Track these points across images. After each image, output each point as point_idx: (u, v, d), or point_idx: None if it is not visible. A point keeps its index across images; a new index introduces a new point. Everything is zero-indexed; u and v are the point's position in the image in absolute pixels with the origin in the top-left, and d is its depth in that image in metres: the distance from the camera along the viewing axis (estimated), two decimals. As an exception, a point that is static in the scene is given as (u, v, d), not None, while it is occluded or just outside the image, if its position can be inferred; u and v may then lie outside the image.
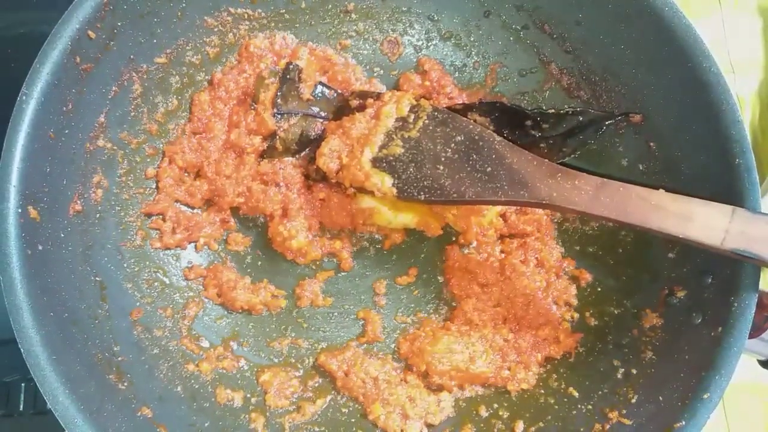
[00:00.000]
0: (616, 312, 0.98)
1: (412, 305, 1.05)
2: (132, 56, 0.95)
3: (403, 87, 1.08)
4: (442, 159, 0.92)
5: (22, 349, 0.78)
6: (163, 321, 0.98)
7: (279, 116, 1.00)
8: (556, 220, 1.05)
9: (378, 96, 1.01)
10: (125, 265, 0.97)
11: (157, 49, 0.98)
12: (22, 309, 0.79)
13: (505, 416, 0.97)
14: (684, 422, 0.81)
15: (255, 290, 1.02)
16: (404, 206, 0.98)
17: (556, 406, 0.96)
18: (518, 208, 1.04)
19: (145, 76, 0.98)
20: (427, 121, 0.95)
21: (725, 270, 0.84)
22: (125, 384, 0.88)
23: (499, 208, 1.02)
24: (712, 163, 0.87)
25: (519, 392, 0.98)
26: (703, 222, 0.76)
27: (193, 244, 1.04)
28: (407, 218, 1.00)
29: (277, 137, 1.00)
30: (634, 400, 0.89)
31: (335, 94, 1.03)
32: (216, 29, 1.03)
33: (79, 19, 0.86)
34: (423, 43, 1.10)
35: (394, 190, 0.94)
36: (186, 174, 1.03)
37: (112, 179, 0.96)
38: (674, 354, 0.88)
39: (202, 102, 1.02)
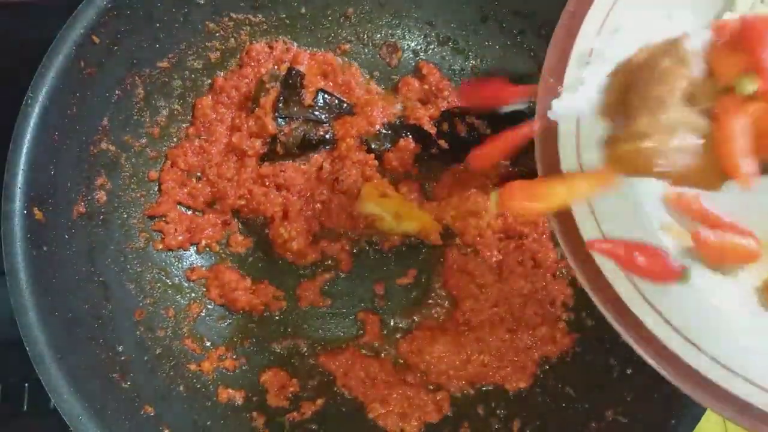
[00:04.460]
0: (612, 312, 0.99)
1: (411, 306, 1.06)
2: (135, 60, 0.96)
3: (403, 90, 1.10)
4: None
5: (27, 348, 0.80)
6: (166, 321, 0.99)
7: (280, 120, 1.01)
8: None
9: None
10: (128, 266, 0.98)
11: (159, 53, 0.99)
12: (28, 309, 0.80)
13: (502, 415, 0.98)
14: (679, 419, 0.82)
15: (256, 291, 1.03)
16: (406, 214, 1.00)
17: (553, 405, 0.97)
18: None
19: (147, 80, 0.99)
20: None
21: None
22: (128, 383, 0.89)
23: (497, 209, 1.04)
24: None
25: (516, 391, 0.99)
26: None
27: (195, 246, 1.05)
28: (409, 226, 1.01)
29: (278, 141, 1.02)
30: (629, 399, 0.90)
31: (336, 101, 1.04)
32: (218, 34, 1.04)
33: (84, 24, 0.87)
34: (422, 48, 1.12)
35: None
36: (188, 176, 1.04)
37: (115, 182, 0.98)
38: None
39: (204, 106, 1.04)
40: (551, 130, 0.65)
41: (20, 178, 0.83)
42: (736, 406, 0.56)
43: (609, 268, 0.62)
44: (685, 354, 0.59)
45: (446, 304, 1.06)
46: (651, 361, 0.59)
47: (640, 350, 0.60)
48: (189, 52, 1.03)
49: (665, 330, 0.60)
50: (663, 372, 0.59)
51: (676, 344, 0.59)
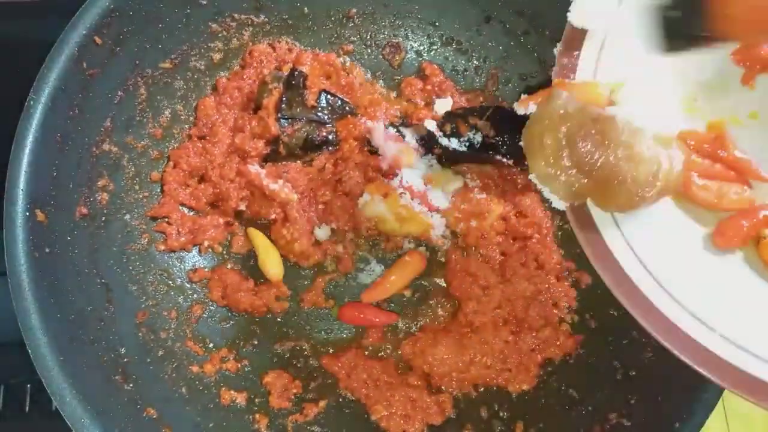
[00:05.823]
0: (615, 314, 0.99)
1: (414, 307, 1.06)
2: (137, 61, 0.96)
3: (405, 91, 1.09)
4: None
5: (29, 351, 0.79)
6: (168, 323, 0.99)
7: (283, 121, 1.01)
8: (557, 223, 1.06)
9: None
10: (130, 267, 0.98)
11: (162, 54, 0.99)
12: (30, 311, 0.80)
13: (505, 417, 0.98)
14: (683, 422, 0.82)
15: (258, 292, 1.03)
16: (409, 215, 0.99)
17: (556, 407, 0.97)
18: (517, 210, 1.05)
19: (150, 81, 0.99)
20: None
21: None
22: (131, 385, 0.89)
23: (500, 211, 1.03)
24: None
25: (519, 393, 0.99)
26: None
27: (197, 247, 1.05)
28: (411, 228, 1.01)
29: (281, 142, 1.02)
30: (633, 401, 0.90)
31: (339, 102, 1.04)
32: (220, 35, 1.04)
33: (86, 25, 0.87)
34: (425, 48, 1.12)
35: None
36: (190, 178, 1.04)
37: (117, 183, 0.98)
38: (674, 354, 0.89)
39: (207, 107, 1.04)
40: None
41: (22, 180, 0.83)
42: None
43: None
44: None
45: (449, 305, 1.05)
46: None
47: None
48: (191, 53, 1.03)
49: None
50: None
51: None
